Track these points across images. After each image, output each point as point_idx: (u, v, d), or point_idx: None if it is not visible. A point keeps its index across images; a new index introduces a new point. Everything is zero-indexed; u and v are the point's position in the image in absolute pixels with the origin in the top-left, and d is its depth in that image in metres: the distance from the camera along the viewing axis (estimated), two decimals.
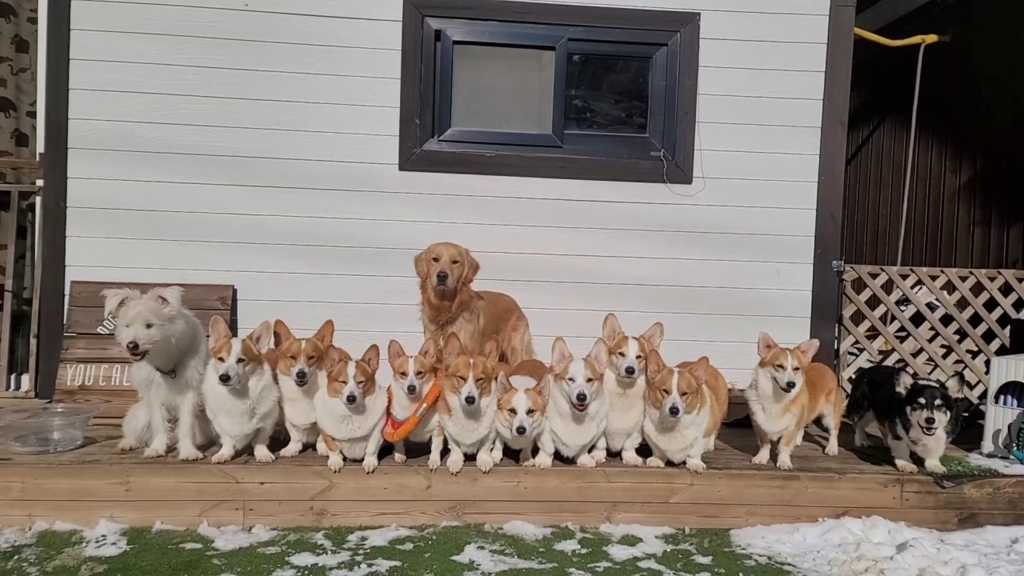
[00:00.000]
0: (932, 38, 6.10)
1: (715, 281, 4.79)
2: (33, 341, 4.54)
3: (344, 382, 3.23)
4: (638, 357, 3.43)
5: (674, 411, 3.26)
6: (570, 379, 3.30)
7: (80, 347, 4.34)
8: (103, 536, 3.14)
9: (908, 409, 3.45)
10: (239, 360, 3.23)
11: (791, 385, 3.40)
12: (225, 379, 3.20)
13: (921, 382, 3.51)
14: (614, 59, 4.84)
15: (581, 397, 3.25)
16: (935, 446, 3.57)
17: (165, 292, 3.32)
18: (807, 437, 4.11)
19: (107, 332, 4.33)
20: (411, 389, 3.29)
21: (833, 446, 3.89)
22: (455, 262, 3.84)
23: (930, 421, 3.37)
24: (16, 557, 2.94)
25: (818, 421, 3.95)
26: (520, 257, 4.67)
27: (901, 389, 3.50)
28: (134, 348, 3.23)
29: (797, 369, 3.42)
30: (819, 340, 3.66)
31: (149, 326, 3.24)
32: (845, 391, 4.71)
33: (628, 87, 4.88)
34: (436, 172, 4.66)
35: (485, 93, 4.76)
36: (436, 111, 4.67)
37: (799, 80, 4.76)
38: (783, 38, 4.74)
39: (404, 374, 3.32)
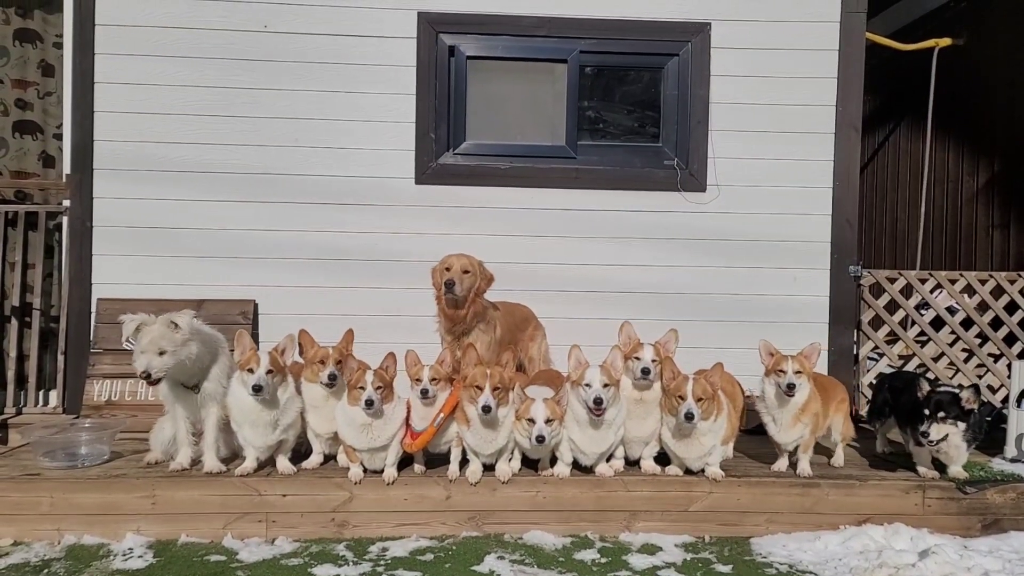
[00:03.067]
0: (945, 41, 6.06)
1: (731, 288, 4.79)
2: (61, 358, 4.63)
3: (363, 388, 3.28)
4: (653, 361, 3.45)
5: (689, 417, 3.27)
6: (587, 385, 3.33)
7: (106, 363, 4.42)
8: (130, 549, 3.20)
9: (924, 420, 3.43)
10: (268, 371, 3.30)
11: (791, 387, 3.39)
12: (258, 390, 3.26)
13: (941, 389, 3.47)
14: (626, 70, 4.88)
15: (598, 401, 3.27)
16: (956, 454, 3.54)
17: (177, 317, 3.36)
18: (822, 449, 4.05)
19: (132, 346, 4.41)
20: (424, 393, 3.34)
21: (838, 458, 3.77)
22: (466, 272, 3.89)
23: (942, 435, 3.35)
24: (46, 571, 3.00)
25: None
26: (536, 267, 4.70)
27: (921, 396, 3.48)
28: (147, 377, 3.30)
29: (799, 372, 3.42)
30: (820, 344, 3.67)
31: (162, 353, 3.29)
32: (866, 397, 4.69)
33: (640, 97, 4.91)
34: (452, 185, 4.71)
35: (499, 106, 4.81)
36: (451, 125, 4.73)
37: (811, 87, 4.76)
38: (794, 46, 4.75)
39: (419, 380, 3.37)
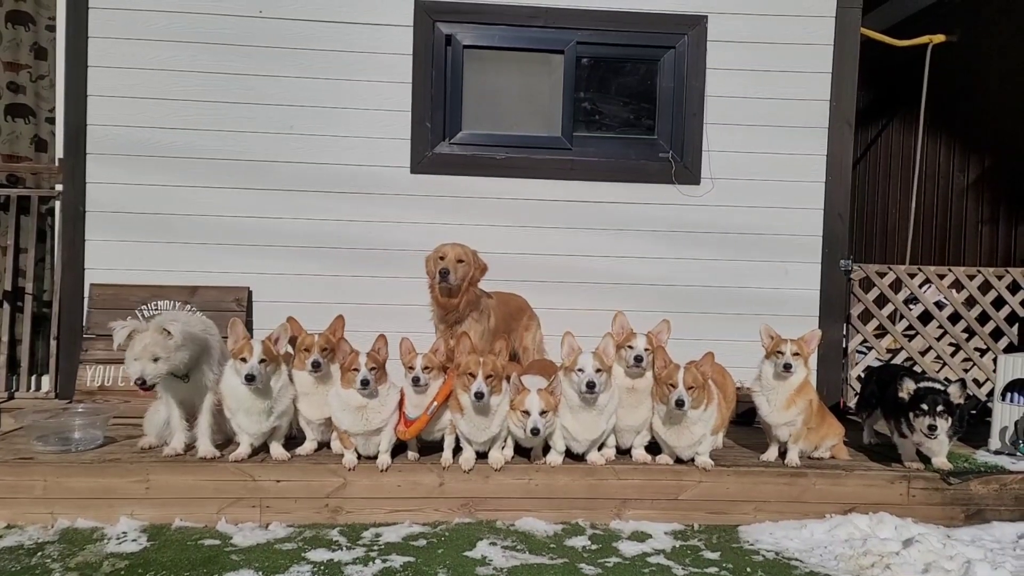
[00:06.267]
0: (940, 38, 6.10)
1: (723, 281, 4.83)
2: (53, 343, 4.62)
3: (357, 370, 3.31)
4: (646, 349, 3.50)
5: (680, 403, 3.32)
6: (579, 370, 3.37)
7: (99, 348, 4.41)
8: (124, 533, 3.20)
9: (911, 414, 3.49)
10: (261, 360, 3.31)
11: (788, 367, 3.47)
12: (250, 379, 3.27)
13: (924, 385, 3.53)
14: (622, 62, 4.89)
15: (591, 385, 3.31)
16: (939, 448, 3.61)
17: (168, 324, 3.34)
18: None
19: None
20: (415, 381, 3.36)
21: (791, 457, 3.68)
22: (460, 261, 3.91)
23: (932, 428, 3.41)
24: (39, 554, 3.00)
25: None
26: (530, 258, 4.73)
27: (904, 394, 3.53)
28: (142, 384, 3.30)
29: (797, 355, 3.50)
30: (821, 331, 3.73)
31: (156, 360, 3.28)
32: (854, 390, 4.75)
33: (636, 89, 4.92)
34: (447, 175, 4.72)
35: (495, 96, 4.81)
36: (447, 114, 4.73)
37: (806, 81, 4.79)
38: (789, 40, 4.77)
39: (412, 368, 3.39)
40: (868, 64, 5.19)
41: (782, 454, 3.71)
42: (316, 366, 3.44)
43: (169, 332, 3.31)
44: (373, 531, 3.30)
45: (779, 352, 3.52)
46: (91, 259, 4.58)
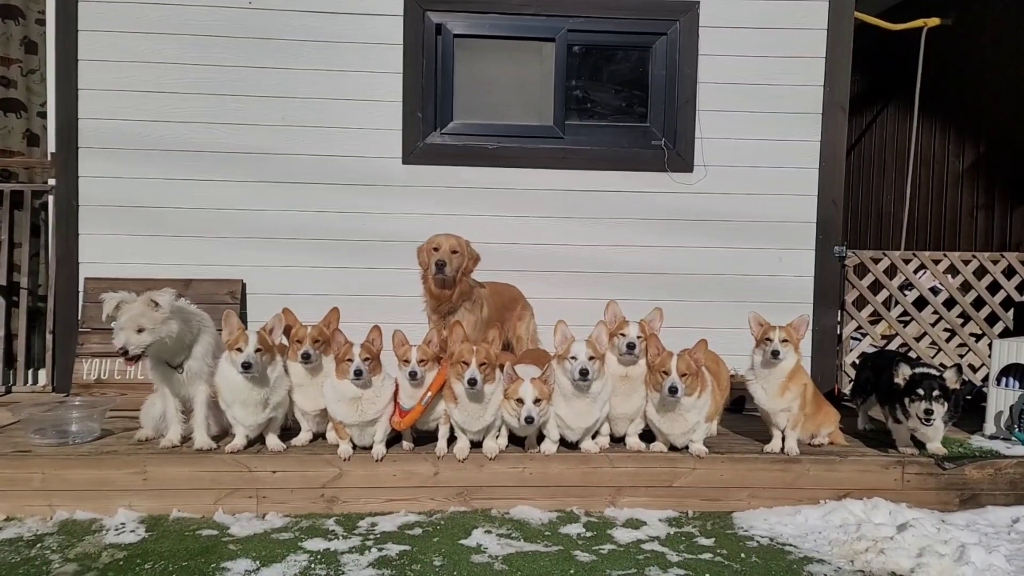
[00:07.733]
0: (934, 21, 6.07)
1: (717, 268, 4.83)
2: (49, 337, 4.64)
3: (351, 360, 3.32)
4: (639, 337, 3.50)
5: (673, 390, 3.32)
6: (572, 358, 3.37)
7: (95, 342, 4.42)
8: (122, 524, 3.22)
9: (907, 400, 3.49)
10: (257, 350, 3.32)
11: (776, 354, 3.46)
12: (247, 367, 3.28)
13: (920, 371, 3.52)
14: (614, 49, 4.87)
15: (584, 372, 3.32)
16: (934, 433, 3.61)
17: (157, 295, 3.34)
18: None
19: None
20: (412, 375, 3.37)
21: (790, 444, 3.65)
22: (454, 252, 3.90)
23: (928, 412, 3.41)
24: (39, 545, 3.03)
25: None
26: (523, 247, 4.73)
27: (900, 380, 3.53)
28: (124, 353, 3.30)
29: (785, 341, 3.48)
30: (807, 315, 3.76)
31: (140, 331, 3.28)
32: (848, 376, 4.76)
33: (628, 77, 4.90)
34: (439, 165, 4.71)
35: (486, 86, 4.80)
36: (438, 104, 4.72)
37: (799, 67, 4.77)
38: (783, 25, 4.75)
39: (407, 361, 3.39)
40: (862, 49, 5.16)
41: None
42: (306, 358, 3.45)
43: (157, 304, 3.31)
44: (369, 520, 3.32)
45: (767, 339, 3.51)
46: (85, 253, 4.59)
